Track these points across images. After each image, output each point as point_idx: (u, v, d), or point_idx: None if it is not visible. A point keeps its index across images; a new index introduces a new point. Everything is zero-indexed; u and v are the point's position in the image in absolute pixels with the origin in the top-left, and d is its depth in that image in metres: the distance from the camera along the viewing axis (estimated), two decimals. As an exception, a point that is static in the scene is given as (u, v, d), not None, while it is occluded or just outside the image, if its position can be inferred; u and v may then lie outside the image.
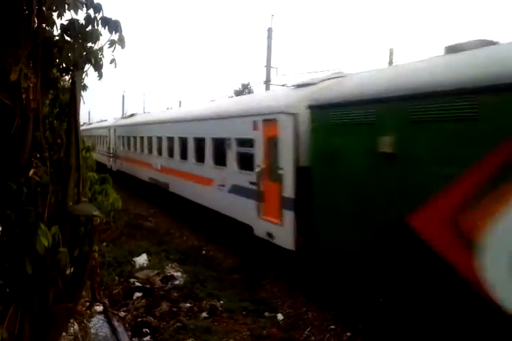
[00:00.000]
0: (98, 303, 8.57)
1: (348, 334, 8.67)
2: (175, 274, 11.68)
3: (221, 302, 10.07)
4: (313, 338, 8.63)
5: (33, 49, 4.46)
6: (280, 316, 9.62)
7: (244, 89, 69.10)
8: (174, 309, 9.79)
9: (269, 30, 30.17)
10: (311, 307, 9.96)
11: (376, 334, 8.47)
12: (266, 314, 9.70)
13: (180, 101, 63.70)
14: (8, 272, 4.19)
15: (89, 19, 4.70)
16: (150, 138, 23.66)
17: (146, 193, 25.27)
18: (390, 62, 29.51)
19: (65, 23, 4.72)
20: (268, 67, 30.06)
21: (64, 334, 5.39)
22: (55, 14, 4.81)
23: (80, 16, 4.70)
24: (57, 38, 4.76)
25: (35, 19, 4.56)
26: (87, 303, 6.56)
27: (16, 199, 4.09)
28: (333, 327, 9.02)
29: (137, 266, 12.54)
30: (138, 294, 10.68)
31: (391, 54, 31.05)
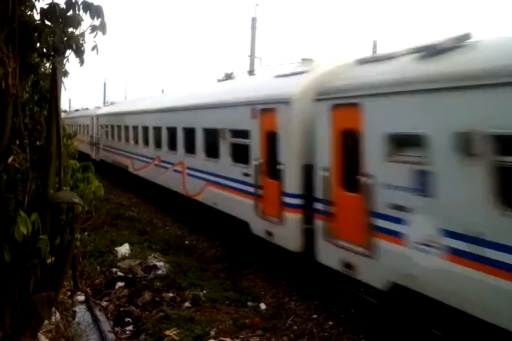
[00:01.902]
0: (80, 293, 8.52)
1: (330, 323, 8.73)
2: (157, 264, 11.64)
3: (204, 291, 10.07)
4: (295, 327, 8.67)
5: (11, 33, 4.34)
6: (263, 305, 9.65)
7: (228, 79, 68.68)
8: (157, 299, 9.78)
9: (253, 19, 30.00)
10: (294, 297, 10.00)
11: (357, 323, 8.54)
12: (249, 303, 9.72)
13: (162, 90, 63.22)
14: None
15: (70, 3, 4.57)
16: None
17: (129, 183, 25.07)
18: (374, 54, 29.54)
19: (46, 7, 4.61)
20: (252, 56, 29.90)
21: (46, 322, 5.33)
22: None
23: (61, 0, 4.60)
24: (37, 22, 4.64)
25: (12, 1, 4.43)
26: (69, 292, 6.50)
27: (-5, 186, 4.02)
28: (315, 316, 9.06)
29: (119, 256, 12.49)
30: (120, 284, 10.65)
31: (374, 46, 31.12)
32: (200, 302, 9.58)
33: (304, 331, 8.47)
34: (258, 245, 11.57)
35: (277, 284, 10.79)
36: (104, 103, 64.16)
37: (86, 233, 13.18)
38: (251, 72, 29.33)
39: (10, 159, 4.31)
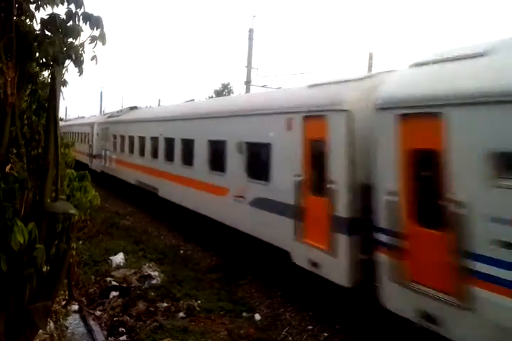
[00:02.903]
0: (74, 302, 8.47)
1: (325, 334, 8.72)
2: (152, 273, 11.60)
3: (198, 302, 10.04)
4: (290, 338, 8.66)
5: (9, 42, 4.37)
6: (258, 316, 9.63)
7: (224, 89, 69.09)
8: (151, 308, 9.73)
9: (251, 31, 30.29)
10: (289, 308, 9.99)
11: (353, 334, 8.52)
12: (244, 314, 9.70)
13: (159, 100, 63.43)
14: (-17, 270, 4.11)
15: (70, 14, 4.62)
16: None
17: (125, 192, 25.02)
18: (370, 66, 29.82)
19: (46, 17, 4.65)
20: (249, 67, 30.12)
21: (40, 332, 5.31)
22: (33, 7, 4.73)
23: (62, 11, 4.63)
24: (37, 32, 4.67)
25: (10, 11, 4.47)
26: (63, 302, 6.47)
27: (-7, 194, 4.02)
28: (310, 327, 9.06)
29: (114, 265, 12.43)
30: (114, 293, 10.59)
31: (371, 58, 31.37)
32: (195, 313, 9.55)
33: (298, 342, 8.45)
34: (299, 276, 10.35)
35: (272, 294, 10.77)
36: (100, 112, 64.15)
37: (81, 242, 13.14)
38: (248, 83, 29.49)
39: (7, 168, 4.32)
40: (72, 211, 4.53)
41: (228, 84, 70.19)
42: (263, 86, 28.30)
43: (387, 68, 9.29)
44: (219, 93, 65.26)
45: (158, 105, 46.69)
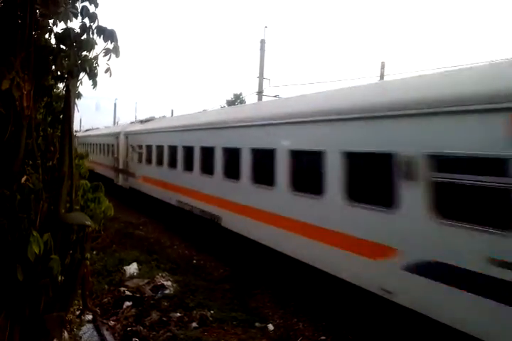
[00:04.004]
0: (88, 312, 8.51)
1: (339, 344, 8.67)
2: (165, 283, 11.63)
3: (211, 312, 10.03)
4: (303, 348, 8.62)
5: (27, 56, 4.47)
6: (271, 326, 9.59)
7: (237, 99, 69.33)
8: (164, 318, 9.74)
9: (262, 41, 30.42)
10: (302, 318, 9.94)
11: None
12: (256, 324, 9.67)
13: (172, 110, 63.84)
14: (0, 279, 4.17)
15: (84, 28, 4.73)
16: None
17: (137, 202, 25.12)
18: (382, 75, 29.81)
19: (61, 31, 4.75)
20: (261, 78, 30.22)
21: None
22: (51, 21, 4.85)
23: (76, 25, 4.74)
24: (53, 46, 4.78)
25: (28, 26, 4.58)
26: (77, 312, 6.52)
27: (9, 205, 4.09)
28: (323, 337, 9.00)
29: (127, 275, 12.47)
30: (128, 303, 10.61)
31: (382, 67, 31.37)
32: (208, 323, 9.54)
33: (312, 353, 8.42)
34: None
35: (285, 304, 10.73)
36: (114, 123, 64.47)
37: (94, 252, 13.21)
38: (260, 93, 29.60)
39: (23, 179, 4.40)
40: (88, 222, 4.60)
41: (240, 94, 70.48)
42: (275, 96, 28.36)
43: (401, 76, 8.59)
44: (231, 103, 65.48)
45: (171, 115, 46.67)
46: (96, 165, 33.92)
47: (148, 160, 21.95)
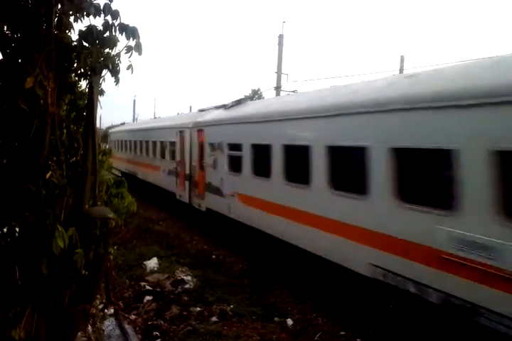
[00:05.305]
0: (110, 305, 8.63)
1: (359, 340, 8.67)
2: (185, 278, 11.72)
3: (231, 306, 10.10)
4: (322, 344, 8.64)
5: (49, 54, 4.54)
6: (290, 321, 9.63)
7: (255, 95, 69.29)
8: (184, 313, 9.83)
9: (280, 36, 30.35)
10: (321, 313, 9.95)
11: (386, 340, 8.47)
12: (275, 319, 9.71)
13: (190, 107, 64.02)
14: (25, 273, 4.26)
15: (107, 25, 4.79)
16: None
17: (156, 198, 25.20)
18: (401, 69, 29.58)
19: (84, 29, 4.82)
20: (279, 73, 30.18)
21: (79, 335, 5.44)
22: (71, 19, 4.91)
23: (99, 23, 4.80)
24: (75, 43, 4.84)
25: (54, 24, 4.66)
26: (100, 305, 6.63)
27: (35, 201, 4.17)
28: (343, 333, 9.01)
29: (148, 270, 12.60)
30: (148, 297, 10.73)
31: (402, 61, 31.14)
32: (228, 317, 9.60)
33: (331, 348, 8.44)
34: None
35: (304, 299, 10.76)
36: (133, 120, 63.34)
37: (116, 247, 13.35)
38: (278, 88, 29.58)
39: (48, 175, 4.48)
40: (111, 215, 4.68)
41: (258, 89, 70.42)
42: (293, 91, 28.31)
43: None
44: (249, 99, 65.46)
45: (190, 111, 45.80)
46: (140, 170, 28.10)
47: (263, 170, 12.36)
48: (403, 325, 8.25)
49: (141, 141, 27.66)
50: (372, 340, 8.61)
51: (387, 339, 8.49)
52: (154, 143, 24.61)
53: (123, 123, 42.24)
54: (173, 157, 21.14)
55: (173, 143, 21.15)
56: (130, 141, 31.03)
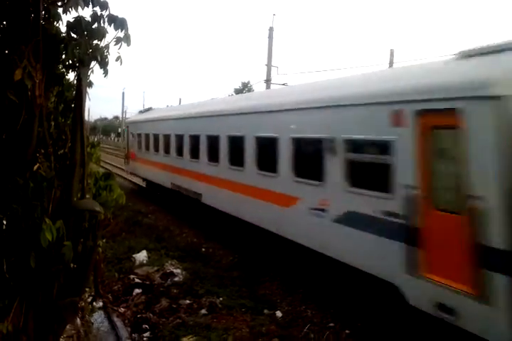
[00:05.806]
0: (99, 298, 8.62)
1: (347, 331, 8.73)
2: (174, 271, 11.73)
3: (220, 299, 10.13)
4: (312, 335, 8.68)
5: (36, 45, 4.48)
6: (279, 313, 9.68)
7: (245, 88, 69.21)
8: (174, 305, 9.84)
9: (271, 29, 30.28)
10: (310, 305, 10.02)
11: (374, 332, 8.53)
12: (265, 311, 9.75)
13: (180, 99, 63.75)
14: (13, 266, 4.24)
15: (95, 16, 4.73)
16: None
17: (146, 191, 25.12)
18: (391, 63, 29.65)
19: (72, 20, 4.75)
20: (269, 66, 30.12)
21: (67, 328, 5.43)
22: (60, 10, 4.85)
23: (87, 14, 4.74)
24: (63, 34, 4.78)
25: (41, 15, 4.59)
26: (89, 298, 6.61)
27: (23, 193, 4.14)
28: (332, 324, 9.08)
29: (137, 263, 12.59)
30: (137, 290, 10.72)
31: (391, 54, 31.19)
32: (217, 310, 9.63)
33: (320, 339, 8.48)
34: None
35: (293, 292, 10.81)
36: (122, 113, 61.95)
37: (104, 240, 13.28)
38: (268, 81, 29.52)
39: (35, 167, 4.44)
40: (98, 208, 4.65)
41: (248, 82, 70.38)
42: (283, 84, 28.28)
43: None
44: (239, 92, 65.38)
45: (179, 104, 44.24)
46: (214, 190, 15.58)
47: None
48: (391, 316, 8.31)
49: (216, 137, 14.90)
50: (360, 331, 8.67)
51: (375, 330, 8.56)
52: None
53: (148, 109, 29.90)
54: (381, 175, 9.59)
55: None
56: (180, 136, 18.54)
